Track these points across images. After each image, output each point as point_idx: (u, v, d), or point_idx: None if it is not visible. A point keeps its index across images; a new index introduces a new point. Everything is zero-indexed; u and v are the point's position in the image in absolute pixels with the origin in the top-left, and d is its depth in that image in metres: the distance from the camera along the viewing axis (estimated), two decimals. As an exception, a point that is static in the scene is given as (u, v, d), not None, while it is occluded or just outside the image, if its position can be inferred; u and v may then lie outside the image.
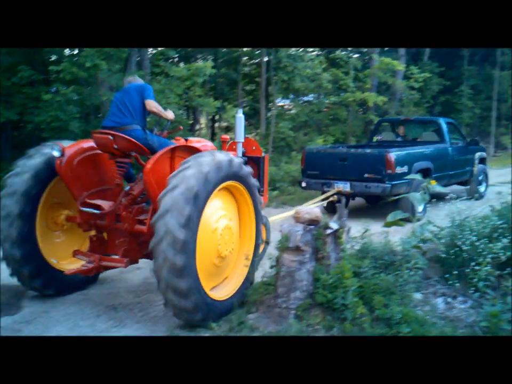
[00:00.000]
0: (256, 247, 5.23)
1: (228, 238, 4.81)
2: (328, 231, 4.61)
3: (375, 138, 12.15)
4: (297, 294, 4.54)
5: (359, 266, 4.79)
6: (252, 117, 18.34)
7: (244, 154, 6.21)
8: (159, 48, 12.19)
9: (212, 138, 15.72)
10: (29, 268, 4.99)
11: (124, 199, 5.01)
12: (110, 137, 4.73)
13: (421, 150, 9.94)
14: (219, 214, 4.76)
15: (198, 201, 4.19)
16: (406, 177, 8.17)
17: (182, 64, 14.44)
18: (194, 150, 5.02)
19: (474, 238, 5.19)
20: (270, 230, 6.27)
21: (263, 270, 5.01)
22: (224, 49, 17.84)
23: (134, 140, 4.76)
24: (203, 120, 19.29)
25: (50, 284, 5.24)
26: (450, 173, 10.65)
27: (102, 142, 4.87)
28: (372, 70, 17.09)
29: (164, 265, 4.12)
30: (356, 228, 5.38)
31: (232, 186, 4.87)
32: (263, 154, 6.75)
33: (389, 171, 8.69)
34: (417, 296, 4.90)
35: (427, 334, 4.17)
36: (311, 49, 17.39)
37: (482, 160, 12.06)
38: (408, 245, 5.01)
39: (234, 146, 6.22)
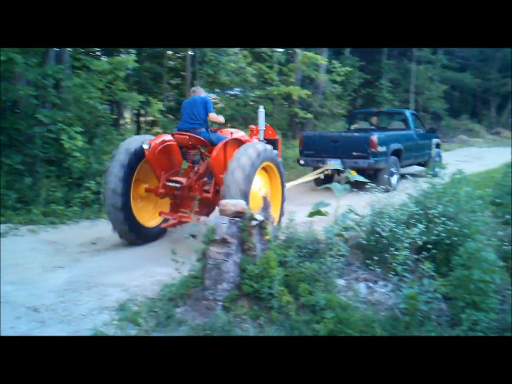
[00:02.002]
0: (281, 210, 7.36)
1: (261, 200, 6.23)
2: (254, 223, 4.68)
3: (352, 127, 14.08)
4: (224, 286, 4.58)
5: (284, 255, 4.90)
6: (178, 111, 18.12)
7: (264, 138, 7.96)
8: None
9: (137, 133, 15.44)
10: (128, 226, 6.91)
11: (194, 176, 7.08)
12: (187, 137, 6.82)
13: (394, 134, 12.28)
14: (259, 183, 6.89)
15: (253, 167, 6.33)
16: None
17: (104, 58, 14.06)
18: (238, 141, 7.12)
19: (392, 225, 5.43)
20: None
21: (190, 264, 5.01)
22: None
23: (202, 138, 6.84)
24: (128, 115, 18.89)
25: (139, 236, 7.16)
26: (415, 154, 12.93)
27: (180, 140, 6.96)
28: (296, 64, 17.38)
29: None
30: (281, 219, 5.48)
31: (267, 165, 6.98)
32: (277, 137, 8.82)
33: (373, 149, 10.82)
34: (341, 282, 5.07)
35: (351, 318, 4.34)
36: (235, 43, 17.42)
37: (437, 145, 14.55)
38: (330, 233, 5.16)
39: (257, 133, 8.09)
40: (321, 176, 11.01)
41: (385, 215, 5.62)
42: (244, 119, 18.13)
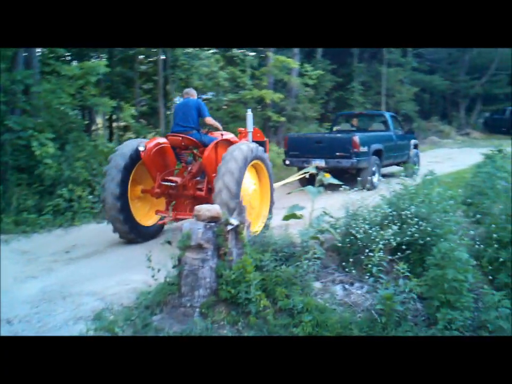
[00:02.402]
0: (271, 203, 7.71)
1: (253, 195, 7.26)
2: (229, 227, 4.67)
3: (335, 128, 14.48)
4: (201, 292, 4.56)
5: (260, 260, 4.90)
6: (151, 116, 18.02)
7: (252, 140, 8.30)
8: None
9: (110, 139, 15.29)
10: (128, 226, 7.31)
11: (188, 175, 7.44)
12: (180, 138, 7.21)
13: (375, 135, 12.75)
14: (250, 181, 7.24)
15: (241, 170, 6.60)
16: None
17: (75, 63, 13.86)
18: (228, 142, 7.58)
19: (367, 227, 5.48)
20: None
21: (166, 270, 4.97)
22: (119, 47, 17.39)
23: (195, 140, 7.23)
24: (100, 120, 18.65)
25: (139, 235, 7.53)
26: (394, 154, 13.35)
27: (174, 141, 7.35)
28: (268, 67, 17.40)
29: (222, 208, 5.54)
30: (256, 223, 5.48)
31: (256, 164, 7.36)
32: (265, 139, 9.23)
33: (355, 150, 11.21)
34: (317, 285, 5.10)
35: (328, 320, 4.36)
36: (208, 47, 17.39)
37: (415, 146, 14.97)
38: (306, 237, 5.18)
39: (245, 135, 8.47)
40: (307, 175, 11.13)
41: (360, 217, 5.67)
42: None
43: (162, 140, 7.58)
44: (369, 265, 5.07)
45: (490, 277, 5.32)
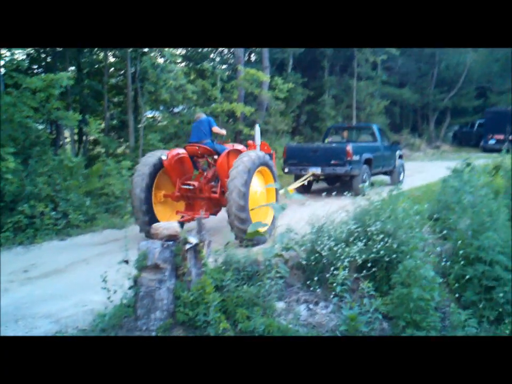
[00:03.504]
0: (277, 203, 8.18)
1: (261, 197, 8.04)
2: (188, 246, 4.48)
3: (326, 140, 15.28)
4: (158, 315, 4.36)
5: (221, 279, 4.72)
6: (121, 129, 17.76)
7: None
8: (14, 57, 11.30)
9: (76, 154, 15.00)
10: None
11: (204, 180, 8.47)
12: (197, 147, 8.23)
13: (365, 145, 13.62)
14: (257, 184, 8.02)
15: (250, 173, 7.47)
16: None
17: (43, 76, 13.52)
18: (239, 151, 8.48)
19: (332, 243, 5.35)
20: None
21: (123, 291, 4.75)
22: (87, 60, 17.14)
23: (209, 148, 8.25)
24: (68, 134, 18.29)
25: None
26: (382, 163, 14.12)
27: (191, 150, 8.38)
28: (238, 81, 17.32)
29: (233, 205, 7.22)
30: (218, 241, 5.30)
31: (263, 170, 8.21)
32: (271, 151, 10.06)
33: (349, 158, 12.17)
34: (281, 305, 4.94)
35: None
36: (177, 60, 17.25)
37: (400, 156, 15.71)
38: (269, 254, 5.02)
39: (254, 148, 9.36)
40: (305, 183, 12.69)
41: (325, 233, 5.54)
42: (187, 136, 17.91)
43: (181, 150, 8.63)
44: (334, 284, 4.94)
45: (457, 295, 5.24)
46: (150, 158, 8.36)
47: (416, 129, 33.13)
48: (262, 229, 5.45)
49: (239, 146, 9.07)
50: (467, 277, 5.21)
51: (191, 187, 8.36)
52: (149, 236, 7.62)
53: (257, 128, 9.43)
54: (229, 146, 8.77)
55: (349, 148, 12.28)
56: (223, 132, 8.67)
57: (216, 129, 8.50)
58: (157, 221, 7.89)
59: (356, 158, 12.36)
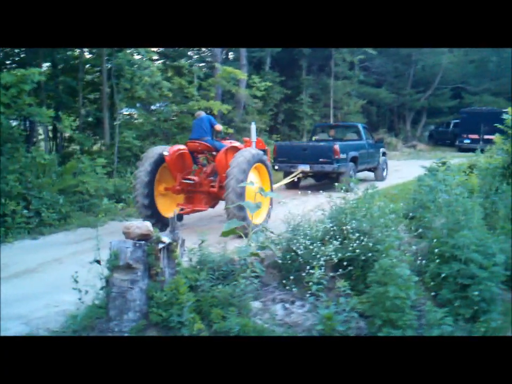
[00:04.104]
0: (271, 202, 8.97)
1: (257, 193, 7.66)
2: (161, 245, 4.39)
3: (314, 138, 16.07)
4: (130, 316, 4.26)
5: (195, 279, 4.64)
6: (96, 127, 17.49)
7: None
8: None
9: (56, 150, 14.75)
10: (155, 219, 8.34)
11: (203, 175, 9.06)
12: (197, 144, 8.85)
13: (351, 144, 14.40)
14: (253, 180, 8.17)
15: (245, 172, 8.00)
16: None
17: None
18: (236, 148, 9.00)
19: (308, 242, 5.31)
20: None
21: (94, 292, 4.63)
22: (62, 56, 16.83)
23: (209, 145, 8.85)
24: (42, 131, 17.94)
25: (163, 225, 7.60)
26: (367, 160, 14.87)
27: (192, 146, 8.99)
28: (216, 79, 17.23)
29: (231, 203, 7.66)
30: (192, 240, 5.22)
31: (259, 166, 8.78)
32: (266, 148, 10.77)
33: (336, 156, 12.83)
34: (256, 304, 4.87)
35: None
36: (153, 57, 17.05)
37: (384, 153, 16.52)
38: (244, 254, 4.96)
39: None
40: (295, 179, 13.36)
41: (301, 232, 5.50)
42: (165, 134, 17.74)
43: (182, 146, 9.18)
44: (310, 283, 4.89)
45: (432, 293, 5.24)
46: (152, 154, 8.87)
47: (392, 128, 33.42)
48: (238, 227, 5.38)
49: (236, 143, 9.66)
50: (442, 275, 5.20)
51: (191, 181, 8.90)
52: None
53: (253, 126, 10.19)
54: (227, 143, 9.31)
55: (337, 146, 12.93)
56: (221, 127, 9.48)
57: (218, 126, 9.21)
58: (159, 213, 8.81)
59: (342, 156, 13.02)
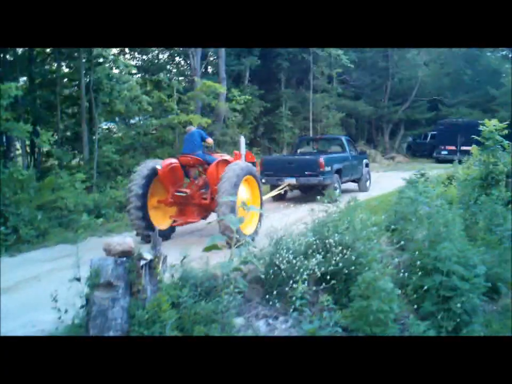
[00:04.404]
0: (260, 214, 9.05)
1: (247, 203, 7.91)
2: (142, 262, 4.32)
3: (298, 151, 16.47)
4: (111, 334, 4.16)
5: (178, 296, 4.57)
6: (75, 141, 17.31)
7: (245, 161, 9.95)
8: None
9: (28, 166, 14.53)
10: (148, 231, 8.26)
11: (195, 187, 9.22)
12: (189, 158, 9.09)
13: (336, 156, 14.71)
14: (243, 192, 8.69)
15: (236, 185, 8.14)
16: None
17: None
18: (227, 161, 9.17)
19: (291, 256, 5.28)
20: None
21: (74, 310, 4.53)
22: (39, 70, 16.66)
23: (200, 159, 9.13)
24: (20, 146, 17.67)
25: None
26: (351, 172, 15.18)
27: (184, 160, 9.20)
28: (195, 92, 17.23)
29: (223, 215, 7.55)
30: (174, 255, 5.15)
31: (249, 179, 8.93)
32: (255, 160, 11.11)
33: (321, 169, 13.15)
34: (239, 320, 4.82)
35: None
36: (132, 71, 17.00)
37: (367, 165, 16.74)
38: (227, 269, 4.90)
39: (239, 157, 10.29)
40: (282, 191, 13.68)
41: (283, 246, 5.47)
42: (144, 148, 17.65)
43: (174, 160, 9.42)
44: (294, 298, 4.86)
45: (415, 306, 5.25)
46: (145, 168, 9.07)
47: (371, 140, 33.78)
48: (220, 243, 5.33)
49: (226, 156, 9.86)
50: (425, 287, 5.23)
51: (184, 194, 9.14)
52: (146, 240, 8.55)
53: (242, 139, 10.67)
54: (217, 156, 9.58)
55: (322, 160, 13.26)
56: (211, 141, 9.68)
57: (209, 140, 9.53)
58: (152, 225, 8.72)
59: (327, 168, 13.37)
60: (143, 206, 8.84)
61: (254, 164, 10.40)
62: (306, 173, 13.37)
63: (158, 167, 8.91)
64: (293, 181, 13.51)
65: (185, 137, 9.65)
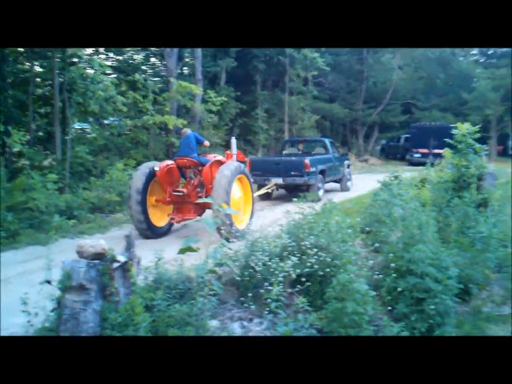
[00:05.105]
0: (252, 210, 10.09)
1: (240, 201, 9.61)
2: (116, 265, 4.25)
3: (284, 152, 17.11)
4: (83, 338, 4.08)
5: (152, 299, 4.51)
6: (48, 141, 17.02)
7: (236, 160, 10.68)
8: None
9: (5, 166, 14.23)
10: (146, 225, 9.46)
11: (191, 187, 9.85)
12: (186, 160, 9.69)
13: (320, 158, 15.30)
14: (236, 190, 9.40)
15: (230, 182, 8.80)
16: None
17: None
18: (220, 162, 9.82)
19: (266, 258, 5.27)
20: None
21: (45, 314, 4.44)
22: (11, 69, 16.34)
23: (195, 161, 9.68)
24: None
25: (153, 233, 9.64)
26: (333, 173, 15.92)
27: (181, 163, 9.82)
28: (171, 93, 17.11)
29: (218, 212, 7.57)
30: (149, 258, 5.08)
31: (241, 178, 9.66)
32: (246, 159, 12.02)
33: (306, 170, 13.78)
34: (214, 323, 4.78)
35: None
36: (107, 71, 16.79)
37: (348, 166, 17.65)
38: (202, 271, 4.86)
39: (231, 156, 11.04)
40: (269, 191, 14.45)
41: (259, 248, 5.45)
42: (118, 149, 17.45)
43: (170, 162, 10.04)
44: (269, 300, 4.84)
45: (389, 308, 5.28)
46: (145, 168, 9.73)
47: (345, 143, 34.06)
48: (194, 245, 5.28)
49: (219, 157, 10.48)
50: (399, 289, 5.27)
51: (181, 193, 9.79)
52: (145, 235, 9.57)
53: (233, 140, 11.24)
54: (211, 157, 10.23)
55: (307, 161, 13.92)
56: (208, 143, 10.50)
57: (206, 143, 10.31)
58: (150, 221, 9.64)
59: (312, 169, 14.01)
60: (143, 201, 9.42)
61: (245, 163, 11.20)
62: (292, 173, 14.01)
63: (156, 168, 9.54)
64: (279, 180, 14.20)
65: (181, 141, 10.25)
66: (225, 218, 8.24)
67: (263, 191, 14.21)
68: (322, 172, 14.84)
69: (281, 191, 15.93)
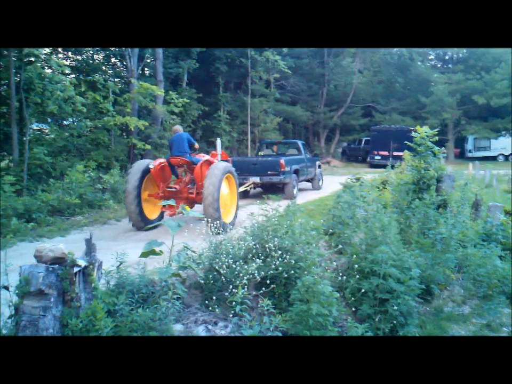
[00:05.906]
0: (237, 204, 10.93)
1: (227, 197, 10.31)
2: (76, 269, 4.14)
3: (260, 153, 17.97)
4: (43, 345, 3.95)
5: (114, 303, 4.41)
6: (4, 142, 16.52)
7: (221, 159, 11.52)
8: None
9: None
10: (140, 217, 10.21)
11: (183, 184, 10.62)
12: (179, 159, 10.35)
13: (293, 158, 16.32)
14: (224, 188, 10.08)
15: (220, 180, 9.51)
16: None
17: None
18: (209, 161, 10.57)
19: (231, 261, 5.23)
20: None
21: (2, 321, 4.28)
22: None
23: (188, 160, 10.36)
24: None
25: (146, 224, 9.91)
26: (306, 172, 16.98)
27: (174, 161, 10.47)
28: (132, 94, 16.88)
29: (209, 207, 9.22)
30: (110, 261, 4.97)
31: (228, 176, 10.38)
32: (229, 158, 13.27)
33: (282, 169, 14.84)
34: (178, 327, 4.71)
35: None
36: (66, 71, 16.42)
37: (319, 166, 18.73)
38: (165, 274, 4.79)
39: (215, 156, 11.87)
40: (248, 188, 15.30)
41: (223, 250, 5.41)
42: (78, 150, 17.09)
43: (163, 160, 10.76)
44: (234, 303, 4.80)
45: (353, 309, 5.31)
46: (140, 165, 10.48)
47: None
48: (157, 248, 5.21)
49: (207, 157, 11.33)
50: (362, 290, 5.31)
51: (174, 189, 10.56)
52: (139, 227, 10.27)
53: (218, 141, 12.23)
54: (201, 157, 11.03)
55: (282, 161, 14.98)
56: (198, 146, 11.18)
57: (196, 145, 11.00)
58: (143, 213, 10.39)
59: (287, 169, 15.06)
60: (138, 196, 10.13)
61: (227, 161, 12.09)
62: (268, 172, 15.06)
63: (151, 166, 10.27)
64: (256, 179, 15.18)
65: (173, 138, 10.86)
66: (213, 212, 9.13)
67: (241, 189, 14.60)
68: (296, 172, 15.79)
69: (258, 189, 16.69)
